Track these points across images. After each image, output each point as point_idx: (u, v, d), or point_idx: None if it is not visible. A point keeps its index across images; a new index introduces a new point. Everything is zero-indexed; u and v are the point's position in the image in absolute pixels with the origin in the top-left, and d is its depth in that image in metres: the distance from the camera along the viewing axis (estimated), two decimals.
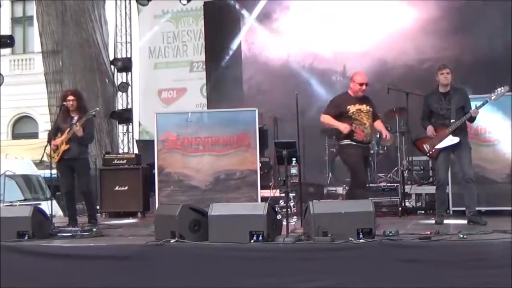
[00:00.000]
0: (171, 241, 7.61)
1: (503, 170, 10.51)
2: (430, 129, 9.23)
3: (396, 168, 12.27)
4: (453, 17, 13.46)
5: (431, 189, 10.32)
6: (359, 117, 9.13)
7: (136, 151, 15.36)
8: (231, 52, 15.18)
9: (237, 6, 15.33)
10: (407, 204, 11.42)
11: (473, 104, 9.34)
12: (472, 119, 9.31)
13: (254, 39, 14.94)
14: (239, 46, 15.19)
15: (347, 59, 14.03)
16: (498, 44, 13.39)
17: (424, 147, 9.37)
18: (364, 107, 9.19)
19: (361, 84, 9.17)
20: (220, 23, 15.42)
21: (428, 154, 9.47)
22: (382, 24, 13.83)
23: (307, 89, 13.07)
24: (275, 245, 7.39)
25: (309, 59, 14.00)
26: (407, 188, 11.55)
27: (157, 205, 10.81)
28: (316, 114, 13.19)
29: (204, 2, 15.80)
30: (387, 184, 11.69)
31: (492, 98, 9.24)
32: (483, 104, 9.27)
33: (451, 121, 9.08)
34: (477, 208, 9.23)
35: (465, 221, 9.05)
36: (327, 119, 9.35)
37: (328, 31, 13.99)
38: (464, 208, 9.29)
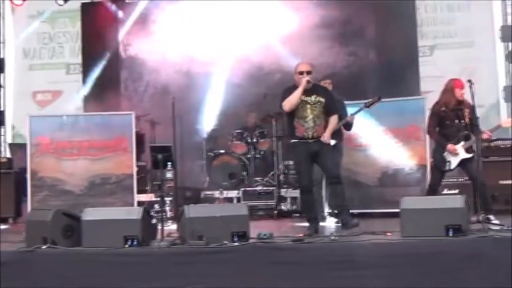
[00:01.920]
0: (43, 247, 7.45)
1: (374, 174, 10.90)
2: None
3: (272, 172, 12.43)
4: (332, 26, 13.71)
5: None
6: (302, 109, 8.49)
7: (8, 155, 14.94)
8: (108, 54, 14.93)
9: (114, 7, 15.13)
10: (282, 207, 11.64)
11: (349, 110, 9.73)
12: (348, 126, 9.65)
13: (130, 41, 14.74)
14: (116, 48, 14.99)
15: (225, 64, 14.07)
16: (373, 54, 13.84)
17: None
18: (312, 98, 8.52)
19: (300, 73, 8.52)
20: (97, 25, 15.17)
21: None
22: (261, 29, 13.88)
23: (184, 93, 12.96)
24: (149, 250, 7.36)
25: (187, 62, 13.94)
26: (283, 192, 11.77)
27: (29, 211, 10.56)
28: (193, 118, 13.32)
29: (82, 3, 15.52)
30: (263, 188, 11.87)
31: (366, 106, 9.64)
32: (358, 111, 9.67)
33: None
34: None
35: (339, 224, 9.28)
36: (287, 102, 8.48)
37: (206, 35, 13.98)
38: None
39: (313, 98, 8.53)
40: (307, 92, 8.51)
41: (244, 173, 12.50)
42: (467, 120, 8.96)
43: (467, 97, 8.74)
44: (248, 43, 13.74)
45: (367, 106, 9.73)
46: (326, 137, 8.48)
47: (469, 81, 8.58)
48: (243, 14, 13.88)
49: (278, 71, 13.44)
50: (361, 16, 13.84)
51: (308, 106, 8.49)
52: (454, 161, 8.97)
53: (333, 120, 8.70)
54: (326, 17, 13.63)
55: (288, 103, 8.49)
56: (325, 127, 8.55)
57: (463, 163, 8.97)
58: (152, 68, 14.20)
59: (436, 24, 13.99)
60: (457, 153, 8.92)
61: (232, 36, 13.93)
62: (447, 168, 9.04)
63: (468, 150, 8.96)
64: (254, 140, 12.70)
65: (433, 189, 9.13)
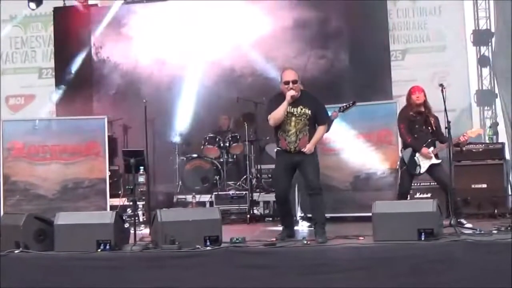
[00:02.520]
0: (15, 251, 7.45)
1: (346, 178, 10.92)
2: None
3: (245, 176, 12.44)
4: (304, 28, 13.75)
5: None
6: (286, 121, 8.18)
7: None
8: (80, 58, 14.86)
9: (86, 11, 15.09)
10: (255, 211, 11.64)
11: None
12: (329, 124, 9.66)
13: (103, 45, 14.72)
14: (89, 52, 14.92)
15: (197, 67, 14.06)
16: (345, 58, 13.87)
17: None
18: (298, 110, 8.20)
19: (286, 83, 8.17)
20: (69, 29, 15.10)
21: None
22: (233, 32, 13.89)
23: (156, 97, 12.91)
24: (122, 254, 7.37)
25: (159, 65, 13.94)
26: (256, 196, 11.78)
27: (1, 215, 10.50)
28: (166, 121, 13.29)
29: (54, 8, 15.45)
30: (236, 192, 11.87)
31: (341, 110, 9.65)
32: (343, 110, 9.69)
33: None
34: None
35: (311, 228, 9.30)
36: (272, 117, 8.21)
37: (178, 38, 13.98)
38: (310, 215, 9.56)
39: (299, 109, 8.21)
40: (293, 102, 8.19)
41: (217, 177, 12.51)
42: (433, 127, 9.12)
43: (439, 103, 8.75)
44: (220, 46, 13.77)
45: (342, 110, 9.70)
46: (308, 148, 8.19)
47: (441, 85, 8.67)
48: (215, 17, 13.89)
49: (250, 74, 13.48)
50: (334, 19, 13.87)
51: (293, 118, 8.19)
52: (424, 165, 9.04)
53: (320, 130, 8.40)
54: (298, 20, 13.68)
55: (273, 119, 8.22)
56: (310, 138, 8.24)
57: (430, 168, 9.05)
58: (124, 72, 14.18)
59: (408, 29, 14.09)
60: (430, 157, 9.00)
61: (204, 39, 13.93)
62: (417, 172, 9.10)
63: (436, 155, 9.07)
64: (227, 144, 12.70)
65: (404, 196, 9.15)
